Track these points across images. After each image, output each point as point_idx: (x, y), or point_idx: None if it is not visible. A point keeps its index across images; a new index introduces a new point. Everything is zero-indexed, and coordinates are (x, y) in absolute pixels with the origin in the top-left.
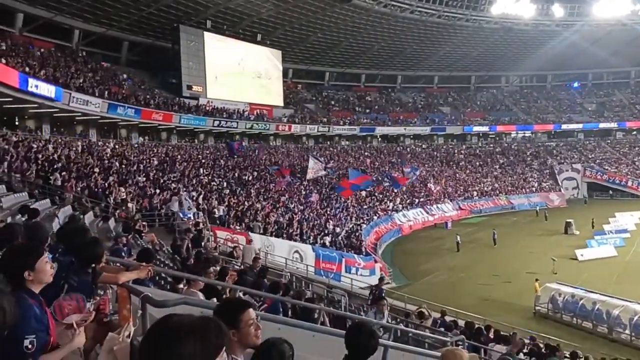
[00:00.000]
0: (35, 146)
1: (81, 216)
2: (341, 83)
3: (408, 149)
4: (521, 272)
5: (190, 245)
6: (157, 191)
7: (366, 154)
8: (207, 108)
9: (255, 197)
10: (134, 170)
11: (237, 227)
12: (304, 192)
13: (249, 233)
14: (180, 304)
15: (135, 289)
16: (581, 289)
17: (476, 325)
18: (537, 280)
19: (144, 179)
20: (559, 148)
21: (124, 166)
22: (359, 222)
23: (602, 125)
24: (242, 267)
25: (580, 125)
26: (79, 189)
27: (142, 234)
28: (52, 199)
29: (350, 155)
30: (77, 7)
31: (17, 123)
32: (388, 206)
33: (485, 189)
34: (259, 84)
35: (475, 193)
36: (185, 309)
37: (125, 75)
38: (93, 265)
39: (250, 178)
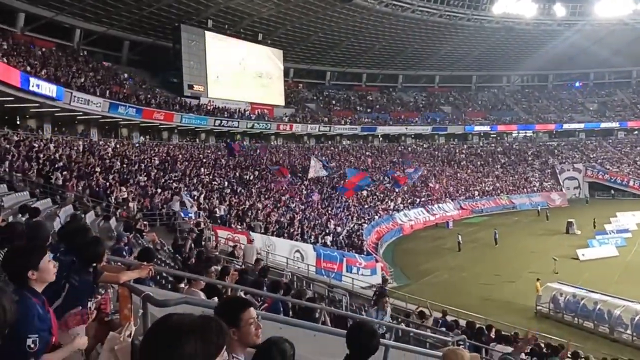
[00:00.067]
0: (36, 145)
1: (82, 215)
2: (342, 82)
3: (409, 149)
4: (522, 271)
5: (192, 244)
6: (158, 191)
7: (367, 153)
8: (208, 107)
9: (256, 196)
10: (135, 169)
11: (238, 227)
12: (305, 192)
13: (250, 232)
14: (181, 304)
15: (136, 289)
16: (582, 289)
17: (477, 325)
18: (538, 280)
19: (145, 178)
20: (561, 148)
21: (125, 166)
22: (360, 222)
23: (603, 125)
24: (243, 266)
25: (581, 125)
26: (80, 188)
27: (143, 234)
28: (53, 198)
29: (352, 155)
30: (79, 6)
31: (18, 122)
32: (389, 206)
33: (487, 188)
34: (260, 84)
35: (476, 193)
36: (186, 309)
37: (126, 75)
38: (94, 264)
39: (252, 177)
